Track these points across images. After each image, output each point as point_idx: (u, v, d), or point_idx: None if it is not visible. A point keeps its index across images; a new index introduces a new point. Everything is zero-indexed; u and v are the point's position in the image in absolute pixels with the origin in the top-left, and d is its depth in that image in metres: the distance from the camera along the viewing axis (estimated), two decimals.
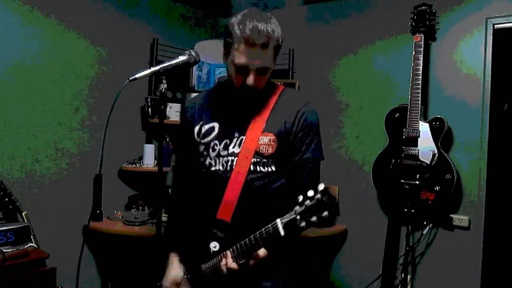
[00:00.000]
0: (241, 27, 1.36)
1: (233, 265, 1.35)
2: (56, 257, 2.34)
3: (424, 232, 2.73)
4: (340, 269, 3.17)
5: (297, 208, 1.19)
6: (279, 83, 1.61)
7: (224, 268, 1.37)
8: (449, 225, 2.69)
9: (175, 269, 1.56)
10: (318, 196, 1.16)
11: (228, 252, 1.37)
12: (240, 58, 1.38)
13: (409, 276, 2.78)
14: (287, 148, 1.48)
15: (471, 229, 2.63)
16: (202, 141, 1.54)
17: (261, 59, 1.39)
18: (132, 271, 2.98)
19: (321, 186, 1.17)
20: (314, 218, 1.16)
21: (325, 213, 1.15)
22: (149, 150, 2.99)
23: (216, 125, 1.54)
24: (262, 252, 1.37)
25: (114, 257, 2.97)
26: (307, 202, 1.17)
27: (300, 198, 1.19)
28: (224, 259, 1.38)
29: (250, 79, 1.40)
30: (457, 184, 2.57)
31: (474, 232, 2.62)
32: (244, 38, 1.36)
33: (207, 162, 1.53)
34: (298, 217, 1.18)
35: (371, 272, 2.89)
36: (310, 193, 1.17)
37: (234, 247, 1.36)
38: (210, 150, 1.52)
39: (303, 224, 1.17)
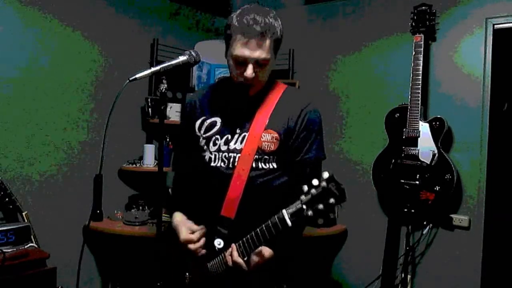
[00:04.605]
0: (239, 18, 1.37)
1: (238, 259, 1.35)
2: (56, 257, 2.34)
3: (424, 232, 2.73)
4: (340, 269, 3.17)
5: (302, 197, 1.18)
6: (282, 82, 1.61)
7: (229, 260, 1.37)
8: (449, 225, 2.69)
9: (183, 226, 1.51)
10: (324, 184, 1.15)
11: (234, 245, 1.37)
12: (238, 50, 1.38)
13: (409, 276, 2.78)
14: (289, 146, 1.48)
15: (471, 229, 2.63)
16: (204, 135, 1.54)
17: (259, 51, 1.38)
18: (132, 271, 2.98)
19: (325, 174, 1.16)
20: (321, 206, 1.15)
21: (332, 200, 1.14)
22: (149, 150, 2.99)
23: (218, 120, 1.54)
24: (267, 252, 1.37)
25: (114, 257, 2.98)
26: (313, 190, 1.16)
27: (305, 188, 1.18)
28: (229, 250, 1.38)
29: (249, 71, 1.39)
30: (457, 184, 2.57)
31: (474, 232, 2.62)
32: (241, 28, 1.36)
33: (206, 157, 1.53)
34: (304, 206, 1.17)
35: (371, 272, 2.89)
36: (315, 182, 1.16)
37: (240, 241, 1.36)
38: (211, 144, 1.52)
39: (310, 212, 1.16)
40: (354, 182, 3.01)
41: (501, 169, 2.75)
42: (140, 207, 2.96)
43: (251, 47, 1.37)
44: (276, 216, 1.25)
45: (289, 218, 1.21)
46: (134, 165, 2.98)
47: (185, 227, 1.50)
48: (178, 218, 1.56)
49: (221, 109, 1.55)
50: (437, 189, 2.55)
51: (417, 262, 2.80)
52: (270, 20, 1.38)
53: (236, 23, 1.37)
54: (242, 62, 1.40)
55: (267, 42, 1.38)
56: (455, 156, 2.64)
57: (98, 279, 2.97)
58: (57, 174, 2.70)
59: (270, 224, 1.27)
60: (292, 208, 1.21)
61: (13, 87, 2.49)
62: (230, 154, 1.49)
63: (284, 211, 1.23)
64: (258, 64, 1.40)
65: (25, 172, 2.55)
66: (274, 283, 1.51)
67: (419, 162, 2.59)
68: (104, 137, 1.46)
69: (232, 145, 1.49)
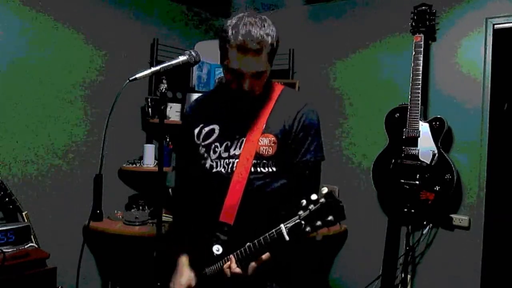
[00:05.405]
0: (234, 32, 1.35)
1: (237, 269, 1.35)
2: (56, 257, 2.33)
3: (424, 232, 2.74)
4: (340, 269, 3.18)
5: (301, 212, 1.18)
6: (279, 83, 1.60)
7: (227, 272, 1.37)
8: (449, 225, 2.69)
9: (186, 272, 1.54)
10: (322, 200, 1.15)
11: (232, 257, 1.37)
12: (234, 64, 1.37)
13: (409, 276, 2.78)
14: (287, 148, 1.47)
15: (471, 229, 2.64)
16: (203, 143, 1.54)
17: (255, 65, 1.37)
18: (132, 271, 2.98)
19: (324, 189, 1.16)
20: (319, 223, 1.15)
21: (330, 217, 1.14)
22: (149, 150, 2.99)
23: (216, 127, 1.54)
24: (265, 255, 1.36)
25: (114, 257, 2.98)
26: (311, 206, 1.16)
27: (304, 202, 1.18)
28: (227, 263, 1.38)
29: (246, 84, 1.39)
30: (457, 184, 2.57)
31: (474, 232, 2.62)
32: (237, 44, 1.34)
33: (207, 165, 1.52)
34: (302, 222, 1.17)
35: (371, 272, 2.89)
36: (314, 196, 1.16)
37: (238, 251, 1.36)
38: (211, 152, 1.52)
39: (308, 229, 1.16)
40: (354, 182, 3.01)
41: (501, 169, 2.75)
42: (140, 207, 2.96)
43: (247, 62, 1.36)
44: (274, 231, 1.25)
45: (287, 234, 1.21)
46: (134, 165, 2.98)
47: (186, 278, 1.53)
48: (183, 261, 1.57)
49: (219, 116, 1.55)
50: (437, 189, 2.55)
51: (417, 262, 2.80)
52: (266, 31, 1.36)
53: (231, 37, 1.35)
54: (238, 75, 1.39)
55: (263, 56, 1.37)
56: (455, 156, 2.64)
57: (98, 279, 2.97)
58: (57, 174, 2.70)
59: (268, 238, 1.27)
60: (291, 223, 1.20)
61: (12, 87, 2.49)
62: (230, 160, 1.48)
63: (282, 226, 1.22)
64: (255, 76, 1.40)
65: (25, 172, 2.55)
66: (272, 282, 1.51)
67: (419, 162, 2.59)
68: (104, 137, 1.46)
69: (232, 151, 1.49)
